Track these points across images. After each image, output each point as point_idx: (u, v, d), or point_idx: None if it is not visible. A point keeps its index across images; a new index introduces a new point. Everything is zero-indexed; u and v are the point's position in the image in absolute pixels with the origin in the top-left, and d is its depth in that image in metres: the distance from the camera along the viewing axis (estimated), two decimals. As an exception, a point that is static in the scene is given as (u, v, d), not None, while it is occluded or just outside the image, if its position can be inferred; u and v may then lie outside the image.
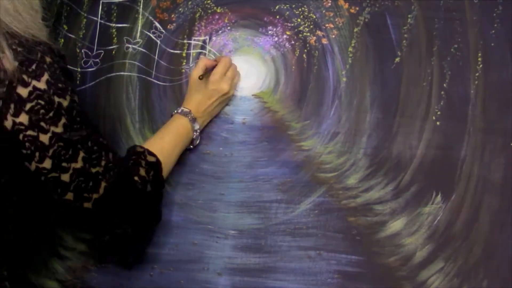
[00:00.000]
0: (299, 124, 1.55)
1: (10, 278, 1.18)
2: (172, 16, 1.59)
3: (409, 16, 1.53)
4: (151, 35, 1.58)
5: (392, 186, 1.51)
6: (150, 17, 1.58)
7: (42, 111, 1.08)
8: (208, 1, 1.58)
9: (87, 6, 1.59)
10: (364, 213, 1.51)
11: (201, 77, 1.45)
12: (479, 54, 1.51)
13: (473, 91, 1.51)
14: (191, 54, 1.59)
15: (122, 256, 1.42)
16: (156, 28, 1.58)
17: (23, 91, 1.06)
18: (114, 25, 1.58)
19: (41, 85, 1.08)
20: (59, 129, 1.10)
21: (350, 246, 1.50)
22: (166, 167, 1.36)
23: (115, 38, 1.59)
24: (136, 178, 1.26)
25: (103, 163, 1.19)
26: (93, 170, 1.17)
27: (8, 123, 1.06)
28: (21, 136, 1.08)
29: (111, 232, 1.23)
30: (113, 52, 1.58)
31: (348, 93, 1.54)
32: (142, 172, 1.28)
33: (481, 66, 1.51)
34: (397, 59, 1.53)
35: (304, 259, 1.51)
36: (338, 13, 1.55)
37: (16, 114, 1.06)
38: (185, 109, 1.46)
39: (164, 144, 1.38)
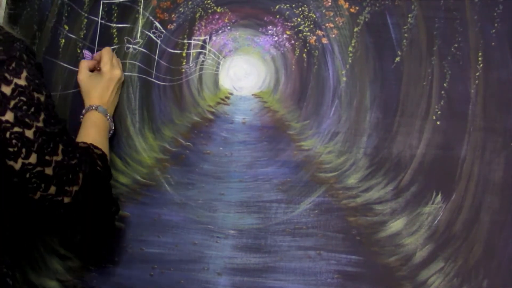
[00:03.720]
0: (299, 124, 1.57)
1: (11, 276, 1.20)
2: (173, 16, 1.61)
3: (409, 15, 1.55)
4: (151, 35, 1.61)
5: (392, 186, 1.53)
6: (151, 17, 1.61)
7: (24, 107, 1.11)
8: (208, 1, 1.60)
9: (87, 7, 1.61)
10: (364, 213, 1.53)
11: (99, 69, 1.54)
12: (480, 54, 1.53)
13: (474, 91, 1.53)
14: (191, 54, 1.61)
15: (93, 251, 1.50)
16: (156, 28, 1.61)
17: (6, 89, 1.10)
18: (114, 25, 1.61)
19: (22, 82, 1.11)
20: (40, 124, 1.14)
21: (350, 246, 1.53)
22: (108, 158, 1.42)
23: (116, 38, 1.61)
24: (98, 168, 1.32)
25: (77, 154, 1.24)
26: (72, 162, 1.21)
27: None
28: (8, 134, 1.11)
29: (84, 228, 1.31)
30: (114, 52, 1.60)
31: (348, 93, 1.56)
32: (99, 163, 1.33)
33: (481, 65, 1.53)
34: (397, 59, 1.55)
35: (304, 259, 1.53)
36: (338, 12, 1.57)
37: (1, 113, 1.10)
38: (92, 106, 1.49)
39: (95, 138, 1.41)
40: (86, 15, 1.61)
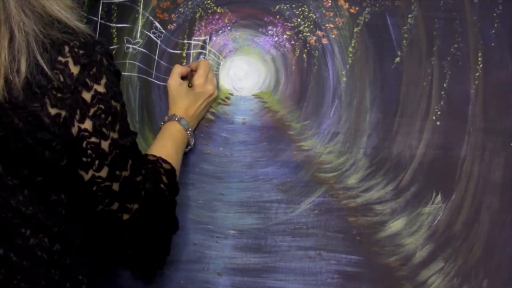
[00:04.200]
0: (299, 124, 1.59)
1: (86, 284, 1.17)
2: (172, 16, 1.62)
3: (409, 16, 1.57)
4: (151, 35, 1.62)
5: (392, 186, 1.54)
6: (150, 17, 1.62)
7: (103, 115, 1.06)
8: (208, 1, 1.61)
9: (87, 6, 1.62)
10: (364, 213, 1.54)
11: (190, 85, 1.52)
12: (479, 54, 1.55)
13: (473, 91, 1.54)
14: (191, 54, 1.62)
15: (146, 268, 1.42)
16: (156, 28, 1.62)
17: (87, 96, 1.05)
18: (114, 25, 1.62)
19: (101, 88, 1.06)
20: (115, 135, 1.09)
21: (350, 246, 1.54)
22: (177, 173, 1.36)
23: (116, 38, 1.62)
24: (162, 186, 1.25)
25: (143, 171, 1.18)
26: (137, 179, 1.16)
27: (74, 130, 1.05)
28: (84, 144, 1.06)
29: (140, 246, 1.24)
30: (113, 52, 1.61)
31: (348, 93, 1.57)
32: (164, 179, 1.27)
33: (481, 66, 1.54)
34: (397, 59, 1.57)
35: (304, 259, 1.54)
36: (338, 13, 1.58)
37: (81, 120, 1.05)
38: (176, 116, 1.47)
39: (168, 151, 1.36)
40: (85, 15, 1.61)
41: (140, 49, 1.62)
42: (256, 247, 1.55)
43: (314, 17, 1.59)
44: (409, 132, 1.55)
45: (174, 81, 1.52)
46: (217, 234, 1.56)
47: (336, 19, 1.59)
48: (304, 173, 1.57)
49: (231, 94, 1.62)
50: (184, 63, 1.61)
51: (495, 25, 1.55)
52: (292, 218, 1.56)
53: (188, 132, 1.48)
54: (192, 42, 1.62)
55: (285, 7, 1.60)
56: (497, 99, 1.54)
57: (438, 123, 1.55)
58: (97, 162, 1.07)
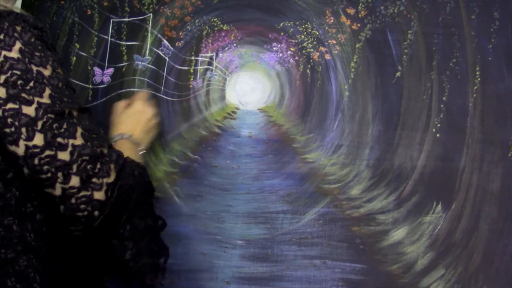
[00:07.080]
0: (304, 137, 1.64)
1: None
2: (180, 33, 1.67)
3: (409, 32, 1.62)
4: (159, 52, 1.67)
5: (394, 197, 1.60)
6: (159, 35, 1.67)
7: (20, 81, 0.99)
8: (215, 19, 1.66)
9: (98, 25, 1.66)
10: (367, 222, 1.60)
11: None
12: (477, 68, 1.60)
13: (472, 104, 1.59)
14: (199, 70, 1.67)
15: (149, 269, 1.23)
16: (164, 45, 1.67)
17: None
18: (124, 43, 1.67)
19: (14, 54, 1.00)
20: (45, 100, 1.01)
21: (354, 254, 1.60)
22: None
23: (125, 56, 1.67)
24: (136, 172, 1.12)
25: (106, 144, 1.08)
26: (97, 149, 1.04)
27: None
28: (0, 112, 0.99)
29: (134, 240, 1.10)
30: (123, 69, 1.66)
31: (351, 107, 1.63)
32: (139, 170, 1.14)
33: (478, 79, 1.59)
34: (398, 74, 1.62)
35: (310, 268, 1.60)
36: (341, 29, 1.64)
37: None
38: (123, 134, 1.36)
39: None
40: (96, 33, 1.66)
41: (149, 65, 1.67)
42: (263, 256, 1.61)
43: (317, 33, 1.65)
44: (410, 144, 1.61)
45: (122, 103, 1.50)
46: (225, 244, 1.62)
47: (339, 36, 1.64)
48: (308, 185, 1.63)
49: (237, 109, 1.66)
50: (192, 79, 1.66)
51: (492, 40, 1.60)
52: (297, 228, 1.61)
53: (140, 148, 1.36)
54: (199, 58, 1.67)
55: (289, 24, 1.65)
56: (495, 112, 1.59)
57: (438, 135, 1.60)
58: (23, 129, 0.99)
